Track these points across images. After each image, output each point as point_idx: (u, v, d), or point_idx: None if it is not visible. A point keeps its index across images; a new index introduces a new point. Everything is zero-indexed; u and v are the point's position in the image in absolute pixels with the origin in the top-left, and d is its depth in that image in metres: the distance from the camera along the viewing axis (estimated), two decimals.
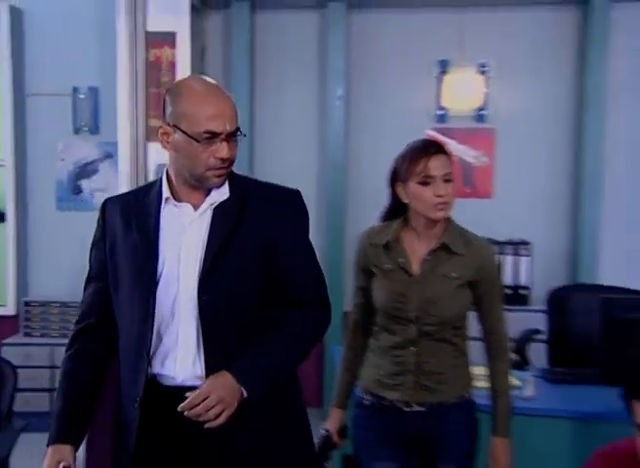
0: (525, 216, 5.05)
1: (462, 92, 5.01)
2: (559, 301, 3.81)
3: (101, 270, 2.03)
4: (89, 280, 2.08)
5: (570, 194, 5.05)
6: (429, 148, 2.31)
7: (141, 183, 4.56)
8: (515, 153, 5.05)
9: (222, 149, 1.88)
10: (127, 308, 1.98)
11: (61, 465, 1.90)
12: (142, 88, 4.59)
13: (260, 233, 1.97)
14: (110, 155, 5.08)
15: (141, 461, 1.97)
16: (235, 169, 2.01)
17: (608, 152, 4.89)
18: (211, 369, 1.91)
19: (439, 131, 4.96)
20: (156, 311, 1.93)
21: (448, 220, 2.35)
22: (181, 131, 1.88)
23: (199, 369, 1.93)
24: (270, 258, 1.98)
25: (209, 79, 1.98)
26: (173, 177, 1.98)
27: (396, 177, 2.36)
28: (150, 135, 4.62)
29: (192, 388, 1.88)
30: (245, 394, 1.87)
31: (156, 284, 1.93)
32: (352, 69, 5.03)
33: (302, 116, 5.12)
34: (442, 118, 5.05)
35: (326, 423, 2.50)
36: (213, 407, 1.82)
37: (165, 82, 4.65)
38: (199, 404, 1.81)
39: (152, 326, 1.93)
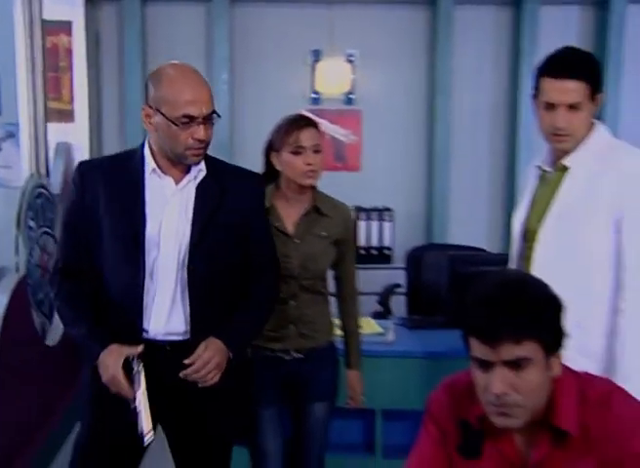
0: (388, 186, 5.13)
1: (333, 78, 5.03)
2: (415, 259, 3.93)
3: (80, 226, 1.99)
4: (67, 234, 2.04)
5: (424, 166, 5.17)
6: (301, 121, 2.34)
7: (42, 160, 4.44)
8: (379, 131, 5.11)
9: (199, 131, 1.88)
10: (114, 266, 1.96)
11: (124, 357, 1.86)
12: (41, 72, 4.43)
13: (238, 209, 2.02)
14: (12, 134, 4.85)
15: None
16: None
17: (454, 130, 5.02)
18: (196, 327, 1.96)
19: (313, 112, 4.85)
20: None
21: (314, 188, 2.39)
22: (162, 114, 1.87)
23: (171, 326, 1.97)
24: (246, 232, 2.03)
25: (188, 66, 1.96)
26: (155, 152, 1.97)
27: (271, 147, 2.37)
28: (50, 115, 4.48)
29: (162, 342, 1.94)
30: (231, 356, 1.96)
31: (144, 245, 1.94)
32: (236, 57, 5.00)
33: None
34: (316, 101, 5.09)
35: None
36: (212, 370, 1.91)
37: (63, 67, 4.54)
38: (201, 368, 1.89)
39: (143, 281, 1.94)
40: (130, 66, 4.82)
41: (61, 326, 3.79)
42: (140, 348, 1.89)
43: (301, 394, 2.44)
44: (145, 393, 1.83)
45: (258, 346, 2.40)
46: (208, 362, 1.89)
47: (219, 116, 1.95)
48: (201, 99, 1.88)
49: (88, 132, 4.59)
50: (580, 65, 2.12)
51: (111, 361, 1.87)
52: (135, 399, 1.83)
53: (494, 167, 5.22)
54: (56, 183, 4.05)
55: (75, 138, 4.49)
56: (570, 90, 2.08)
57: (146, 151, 1.98)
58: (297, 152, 2.30)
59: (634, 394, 1.57)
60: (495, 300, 1.43)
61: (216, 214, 1.97)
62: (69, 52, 4.54)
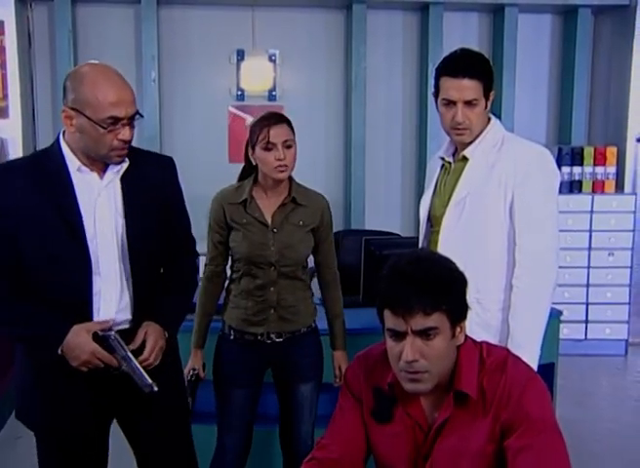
0: (308, 176, 5.09)
1: (256, 76, 5.01)
2: (335, 244, 3.95)
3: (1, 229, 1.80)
4: None
5: (342, 158, 5.19)
6: (270, 119, 2.28)
7: None
8: (300, 126, 4.98)
9: (125, 132, 1.78)
10: (53, 266, 1.81)
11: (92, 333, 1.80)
12: None
13: (162, 196, 1.95)
14: None
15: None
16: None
17: (369, 124, 5.04)
18: (139, 313, 1.91)
19: (239, 108, 4.98)
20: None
21: (290, 178, 2.35)
22: (86, 116, 1.74)
23: (119, 317, 1.88)
24: (169, 215, 1.98)
25: (107, 66, 1.81)
26: (75, 150, 1.82)
27: (248, 144, 2.32)
28: None
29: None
30: (166, 335, 1.93)
31: (86, 241, 1.82)
32: (164, 56, 4.90)
33: None
34: (241, 97, 5.05)
35: (192, 363, 2.41)
36: (157, 354, 1.89)
37: None
38: (150, 355, 1.86)
39: (91, 278, 1.83)
40: (61, 65, 4.67)
41: None
42: (107, 320, 1.83)
43: (287, 376, 2.40)
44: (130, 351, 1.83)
45: (238, 331, 2.37)
46: (154, 347, 1.87)
47: (141, 116, 1.84)
48: (125, 101, 1.77)
49: (21, 127, 4.47)
50: (475, 65, 2.17)
51: (83, 339, 1.78)
52: (123, 362, 1.81)
53: (405, 158, 5.29)
54: None
55: (9, 134, 4.40)
56: (466, 87, 2.13)
57: (66, 150, 1.83)
58: (268, 148, 2.25)
59: (526, 361, 1.64)
60: (407, 276, 1.46)
61: (144, 204, 1.90)
62: (2, 50, 4.42)
